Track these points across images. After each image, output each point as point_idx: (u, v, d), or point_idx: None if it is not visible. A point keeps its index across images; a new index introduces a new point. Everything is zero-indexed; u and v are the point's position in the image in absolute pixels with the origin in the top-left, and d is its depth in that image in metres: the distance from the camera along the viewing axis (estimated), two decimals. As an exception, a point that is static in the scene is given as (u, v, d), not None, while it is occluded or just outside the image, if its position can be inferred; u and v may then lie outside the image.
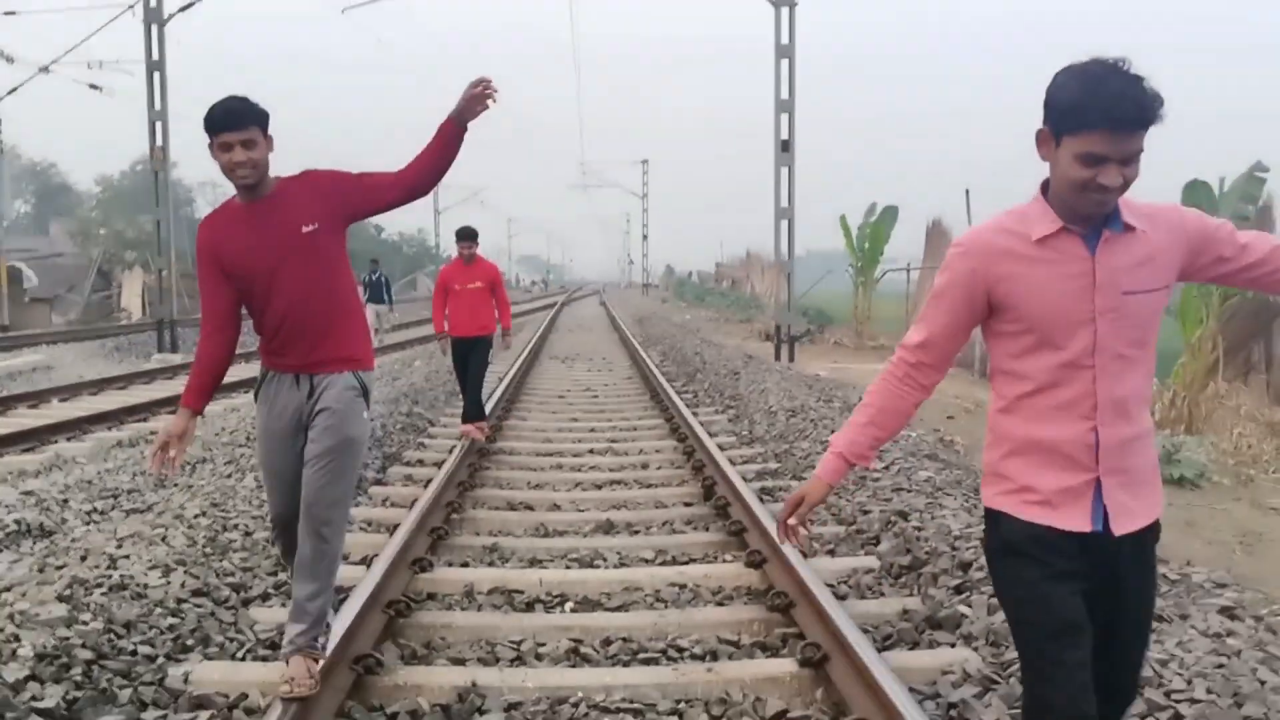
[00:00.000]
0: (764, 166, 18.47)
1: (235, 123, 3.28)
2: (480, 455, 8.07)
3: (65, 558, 5.21)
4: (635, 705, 3.66)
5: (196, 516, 5.71)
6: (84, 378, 15.39)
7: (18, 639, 3.69)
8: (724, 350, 17.97)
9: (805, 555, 4.85)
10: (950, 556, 4.91)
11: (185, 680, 3.72)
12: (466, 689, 3.73)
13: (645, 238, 72.65)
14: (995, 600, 4.33)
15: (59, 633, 3.80)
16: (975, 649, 3.98)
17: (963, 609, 4.32)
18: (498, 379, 12.51)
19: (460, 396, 9.15)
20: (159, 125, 19.34)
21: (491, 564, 5.45)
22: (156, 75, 19.23)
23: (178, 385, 14.51)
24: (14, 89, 25.31)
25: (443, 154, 3.47)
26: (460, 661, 4.09)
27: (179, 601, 4.39)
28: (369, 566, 4.89)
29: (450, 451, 7.98)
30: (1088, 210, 2.08)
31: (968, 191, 17.19)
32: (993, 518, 2.27)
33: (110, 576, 4.52)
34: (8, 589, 4.73)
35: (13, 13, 24.45)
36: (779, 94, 17.55)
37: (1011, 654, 3.84)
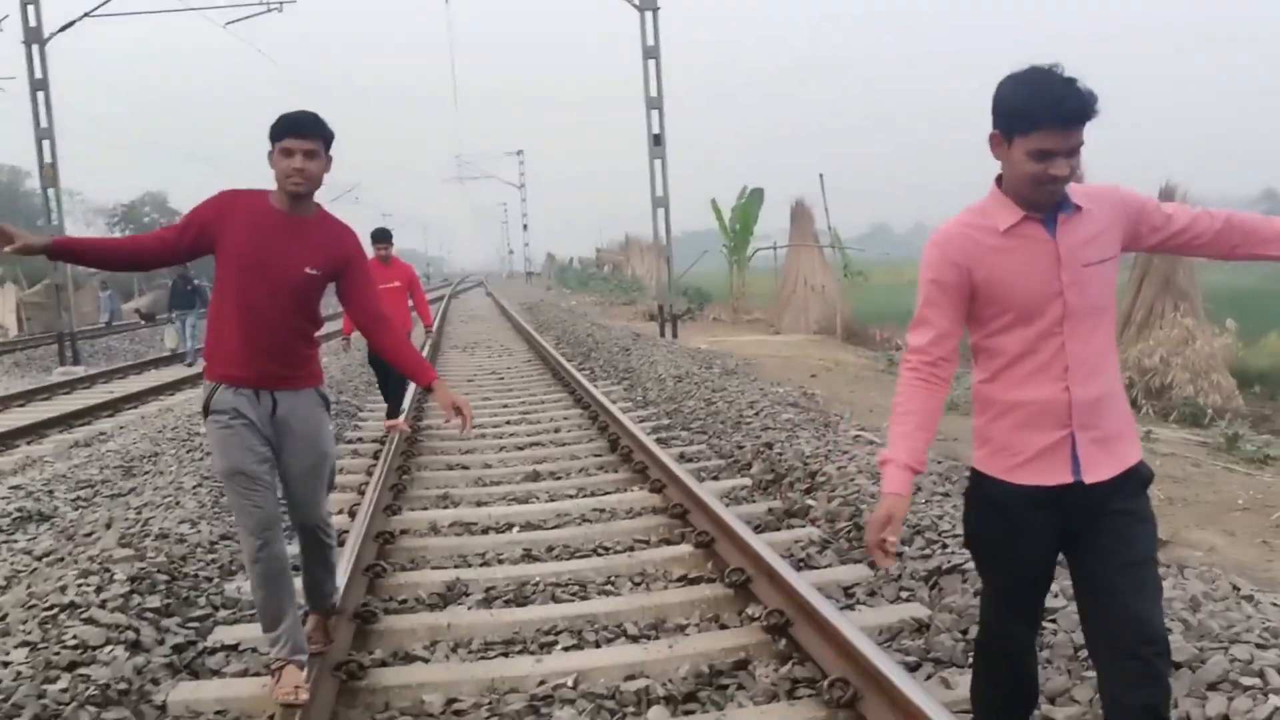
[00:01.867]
0: (637, 152, 19.94)
1: (303, 130, 3.35)
2: (414, 432, 9.30)
3: (87, 527, 6.31)
4: (579, 582, 5.06)
5: (195, 487, 6.86)
6: (-7, 393, 15.88)
7: (108, 570, 4.86)
8: (612, 331, 19.41)
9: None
10: (803, 470, 6.46)
11: (238, 592, 4.96)
12: (453, 582, 5.06)
13: (525, 227, 73.61)
14: (835, 492, 5.91)
15: (136, 565, 4.98)
16: (818, 526, 5.53)
17: (810, 502, 5.87)
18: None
19: (380, 390, 9.70)
20: (45, 143, 19.66)
21: (445, 507, 6.76)
22: (40, 94, 19.52)
23: (100, 394, 15.21)
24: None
25: (395, 357, 3.80)
26: (442, 567, 5.42)
27: (211, 543, 5.60)
28: (353, 516, 6.14)
29: (385, 432, 9.19)
30: (1043, 200, 2.32)
31: (821, 176, 18.98)
32: (979, 478, 2.51)
33: (150, 530, 5.68)
34: (48, 553, 5.88)
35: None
36: (648, 92, 19.01)
37: (842, 524, 5.40)
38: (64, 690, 3.61)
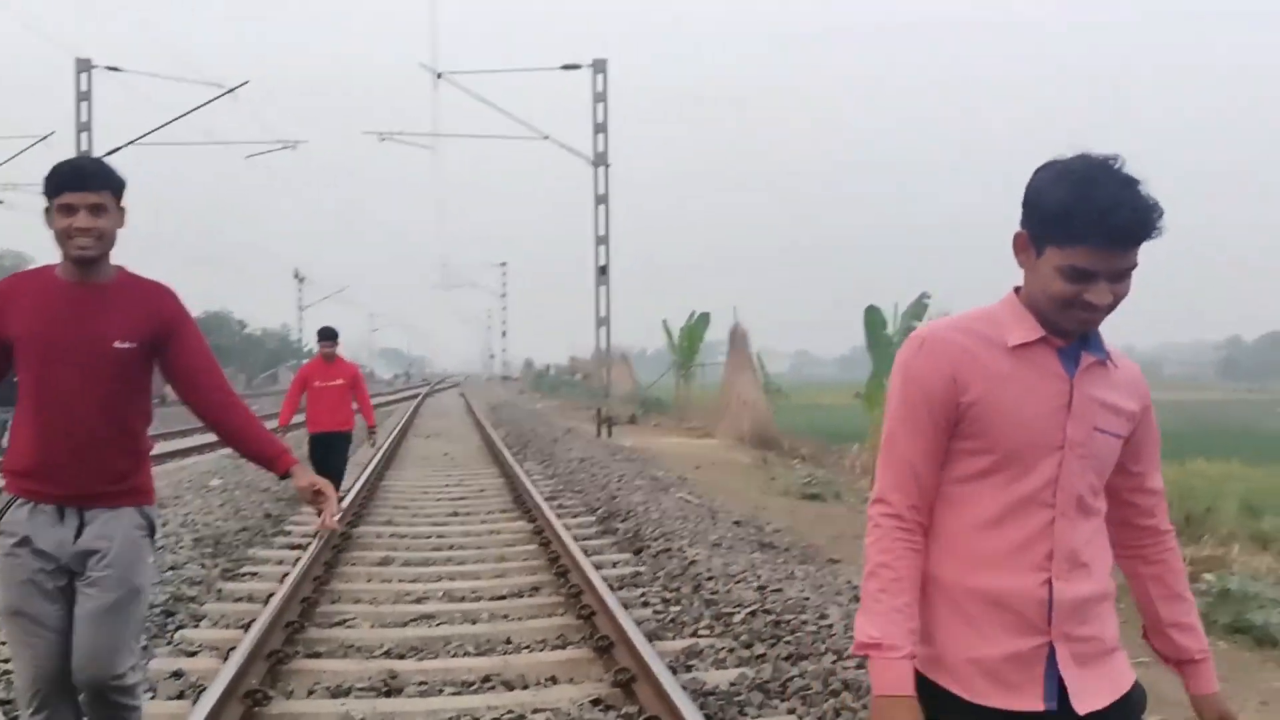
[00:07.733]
0: (616, 271, 23.64)
1: (84, 183, 2.84)
2: (372, 491, 12.57)
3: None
4: (464, 552, 8.36)
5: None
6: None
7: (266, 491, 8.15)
8: (554, 428, 22.80)
9: None
10: (626, 512, 9.83)
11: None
12: (393, 548, 8.36)
13: (504, 334, 77.64)
14: (635, 520, 9.26)
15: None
16: (616, 537, 8.87)
17: (620, 526, 9.22)
18: (377, 449, 16.91)
19: None
20: (86, 245, 23.22)
21: (389, 525, 10.05)
22: (86, 205, 23.22)
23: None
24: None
25: (243, 437, 3.13)
26: (383, 551, 8.70)
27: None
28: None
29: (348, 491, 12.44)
30: (1069, 327, 1.77)
31: (735, 308, 22.68)
32: (929, 691, 1.79)
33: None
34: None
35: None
36: (597, 231, 22.87)
37: (629, 535, 8.75)
38: (266, 516, 6.99)
